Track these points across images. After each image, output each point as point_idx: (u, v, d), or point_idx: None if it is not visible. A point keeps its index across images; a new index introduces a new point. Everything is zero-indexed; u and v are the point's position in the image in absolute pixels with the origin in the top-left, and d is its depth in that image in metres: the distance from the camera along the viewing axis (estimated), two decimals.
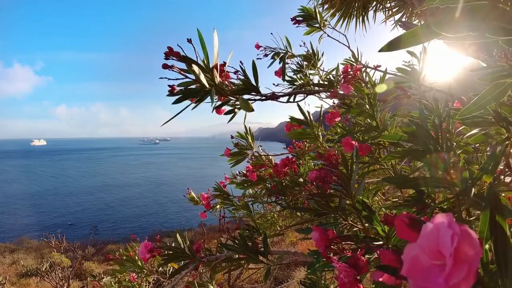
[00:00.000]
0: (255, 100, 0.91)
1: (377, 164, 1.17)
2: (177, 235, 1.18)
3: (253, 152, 1.66)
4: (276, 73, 1.62)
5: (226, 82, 0.84)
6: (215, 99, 0.83)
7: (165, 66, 0.73)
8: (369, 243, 0.59)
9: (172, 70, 0.74)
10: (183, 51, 0.73)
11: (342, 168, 0.74)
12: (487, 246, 0.34)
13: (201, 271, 1.59)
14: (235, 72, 0.89)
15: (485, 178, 0.52)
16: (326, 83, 1.65)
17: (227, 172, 1.93)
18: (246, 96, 0.88)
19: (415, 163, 1.03)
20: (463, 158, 0.75)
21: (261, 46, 1.79)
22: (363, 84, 1.18)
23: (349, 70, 1.19)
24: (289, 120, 1.40)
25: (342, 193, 0.71)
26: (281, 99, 1.01)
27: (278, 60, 1.75)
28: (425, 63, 1.02)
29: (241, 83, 0.88)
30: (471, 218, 0.56)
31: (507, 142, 0.66)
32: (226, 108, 0.90)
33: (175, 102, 0.77)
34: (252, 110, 0.81)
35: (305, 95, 1.26)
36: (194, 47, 0.74)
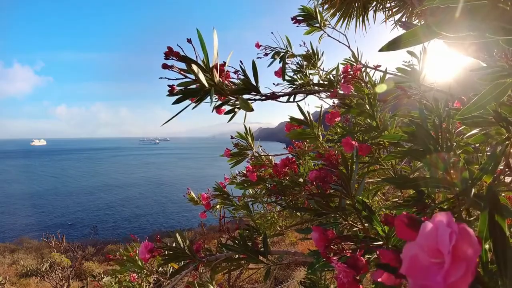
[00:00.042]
0: (255, 100, 0.91)
1: (377, 164, 1.17)
2: (177, 235, 1.18)
3: (253, 152, 1.66)
4: (276, 73, 1.62)
5: (226, 82, 0.84)
6: (215, 98, 0.83)
7: (165, 66, 0.73)
8: (369, 243, 0.59)
9: (172, 70, 0.74)
10: (183, 51, 0.73)
11: (342, 168, 0.74)
12: (487, 246, 0.34)
13: (201, 271, 1.59)
14: (235, 72, 0.89)
15: (485, 178, 0.52)
16: (326, 83, 1.65)
17: (227, 172, 1.93)
18: (246, 96, 0.88)
19: (415, 163, 1.03)
20: (463, 158, 0.75)
21: (261, 45, 1.79)
22: (363, 84, 1.18)
23: (349, 70, 1.19)
24: (289, 120, 1.40)
25: (342, 193, 0.71)
26: (281, 99, 1.01)
27: (278, 59, 1.76)
28: (425, 63, 1.02)
29: (241, 82, 0.88)
30: (471, 218, 0.56)
31: (507, 142, 0.66)
32: (226, 108, 0.90)
33: (175, 102, 0.77)
34: (252, 110, 0.81)
35: (305, 95, 1.26)
36: (194, 47, 0.74)
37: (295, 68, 1.78)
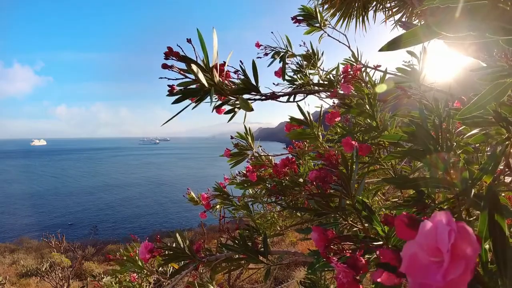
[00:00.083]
0: (255, 99, 0.91)
1: (377, 164, 1.17)
2: (177, 235, 1.18)
3: (253, 152, 1.66)
4: (276, 73, 1.62)
5: (226, 82, 0.84)
6: (215, 98, 0.83)
7: (164, 66, 0.73)
8: (369, 243, 0.59)
9: (172, 70, 0.74)
10: (182, 51, 0.73)
11: (342, 168, 0.74)
12: (486, 246, 0.34)
13: (201, 271, 1.59)
14: (235, 72, 0.89)
15: (485, 178, 0.52)
16: (326, 83, 1.65)
17: (227, 172, 1.93)
18: (246, 96, 0.88)
19: (415, 163, 1.03)
20: (463, 158, 0.75)
21: (261, 45, 1.79)
22: (363, 84, 1.18)
23: (349, 70, 1.19)
24: (289, 120, 1.40)
25: (342, 193, 0.71)
26: (281, 98, 1.01)
27: (278, 59, 1.75)
28: (425, 63, 1.02)
29: (241, 82, 0.88)
30: (471, 218, 0.56)
31: (507, 142, 0.66)
32: (226, 107, 0.90)
33: (175, 102, 0.77)
34: (252, 109, 0.81)
35: (305, 95, 1.26)
36: (193, 47, 0.74)
37: (295, 68, 1.78)
